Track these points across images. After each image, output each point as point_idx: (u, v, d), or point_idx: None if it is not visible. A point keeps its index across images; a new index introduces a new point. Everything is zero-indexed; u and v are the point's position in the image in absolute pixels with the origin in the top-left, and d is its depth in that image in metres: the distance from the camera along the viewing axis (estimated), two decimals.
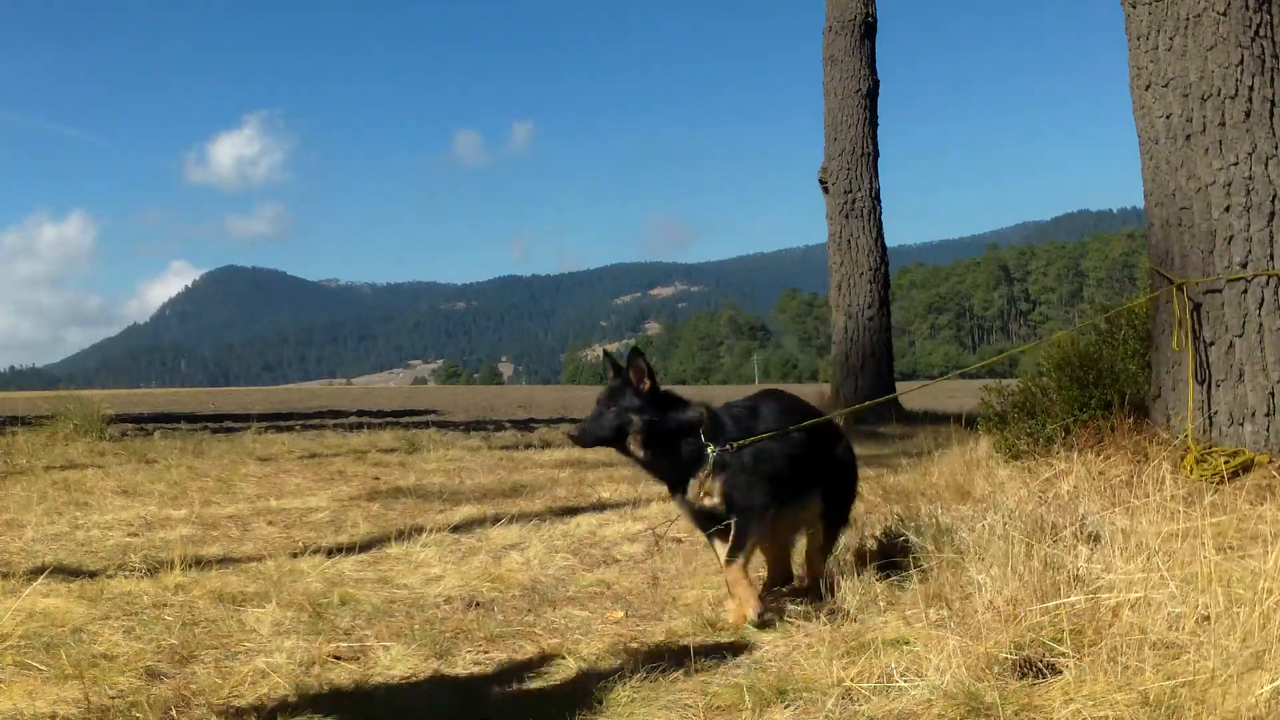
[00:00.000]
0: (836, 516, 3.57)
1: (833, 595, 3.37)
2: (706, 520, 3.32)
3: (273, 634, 3.12)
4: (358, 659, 2.89)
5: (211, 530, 5.41)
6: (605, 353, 3.44)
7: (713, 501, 3.25)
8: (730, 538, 3.23)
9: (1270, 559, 2.64)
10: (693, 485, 3.25)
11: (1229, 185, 4.85)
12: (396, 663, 2.79)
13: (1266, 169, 4.80)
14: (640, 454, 3.26)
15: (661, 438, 3.23)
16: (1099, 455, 4.96)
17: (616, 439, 3.24)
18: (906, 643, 2.74)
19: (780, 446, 3.34)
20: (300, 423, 15.37)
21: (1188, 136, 4.99)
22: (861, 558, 3.80)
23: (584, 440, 3.29)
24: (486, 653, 2.98)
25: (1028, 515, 3.57)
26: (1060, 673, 2.38)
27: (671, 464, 3.27)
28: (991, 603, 2.84)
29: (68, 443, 10.27)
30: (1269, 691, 2.10)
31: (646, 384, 3.23)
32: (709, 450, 3.22)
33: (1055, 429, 5.53)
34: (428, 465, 8.66)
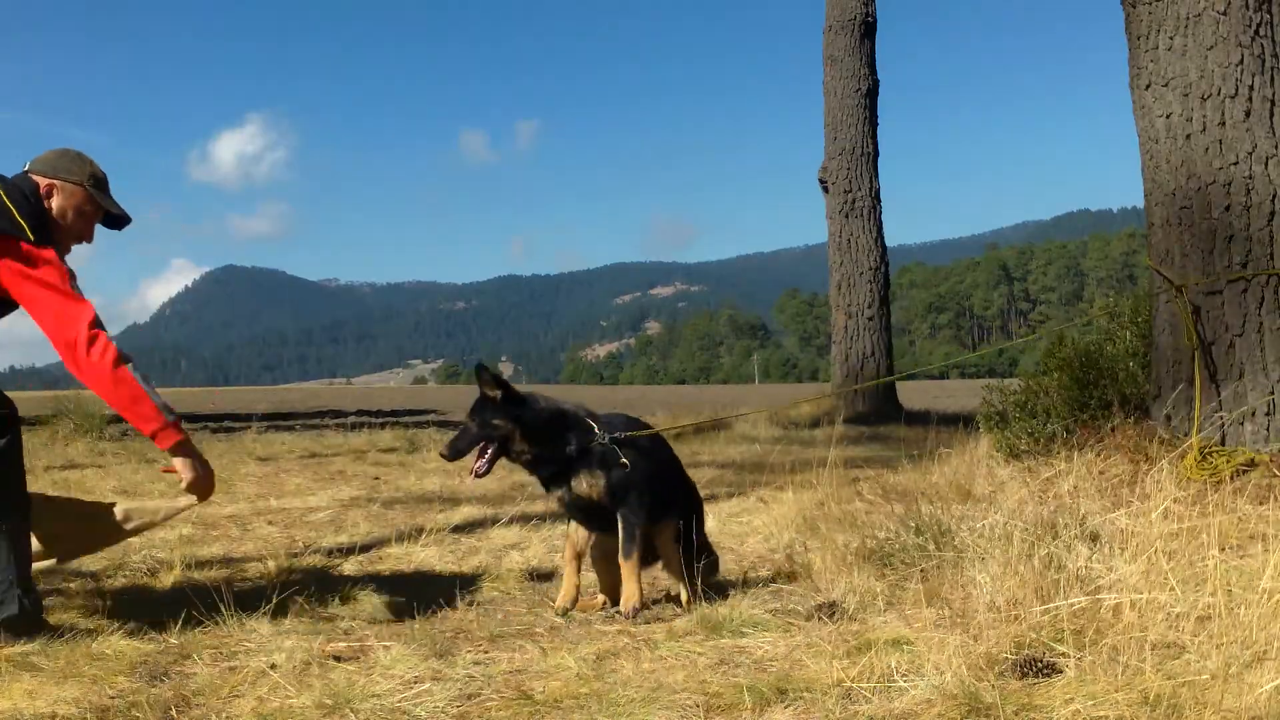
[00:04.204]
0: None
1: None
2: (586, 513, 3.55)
3: (273, 634, 3.12)
4: (358, 659, 2.89)
5: (211, 530, 5.41)
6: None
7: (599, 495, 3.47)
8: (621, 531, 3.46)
9: (1271, 559, 2.64)
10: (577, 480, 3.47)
11: (1229, 185, 4.85)
12: (396, 663, 2.79)
13: (1266, 168, 4.80)
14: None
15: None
16: (1099, 455, 4.96)
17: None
18: (907, 642, 2.73)
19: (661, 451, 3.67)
20: (300, 422, 15.38)
21: (1188, 136, 4.98)
22: (862, 557, 3.80)
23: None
24: (487, 653, 2.98)
25: (1028, 515, 3.57)
26: (1061, 672, 2.38)
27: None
28: (992, 602, 2.84)
29: (68, 443, 10.29)
30: (1269, 691, 2.10)
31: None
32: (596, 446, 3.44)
33: (1057, 428, 5.53)
34: (428, 465, 8.66)
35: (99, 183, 3.36)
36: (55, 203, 3.26)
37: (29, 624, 3.00)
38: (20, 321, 3.31)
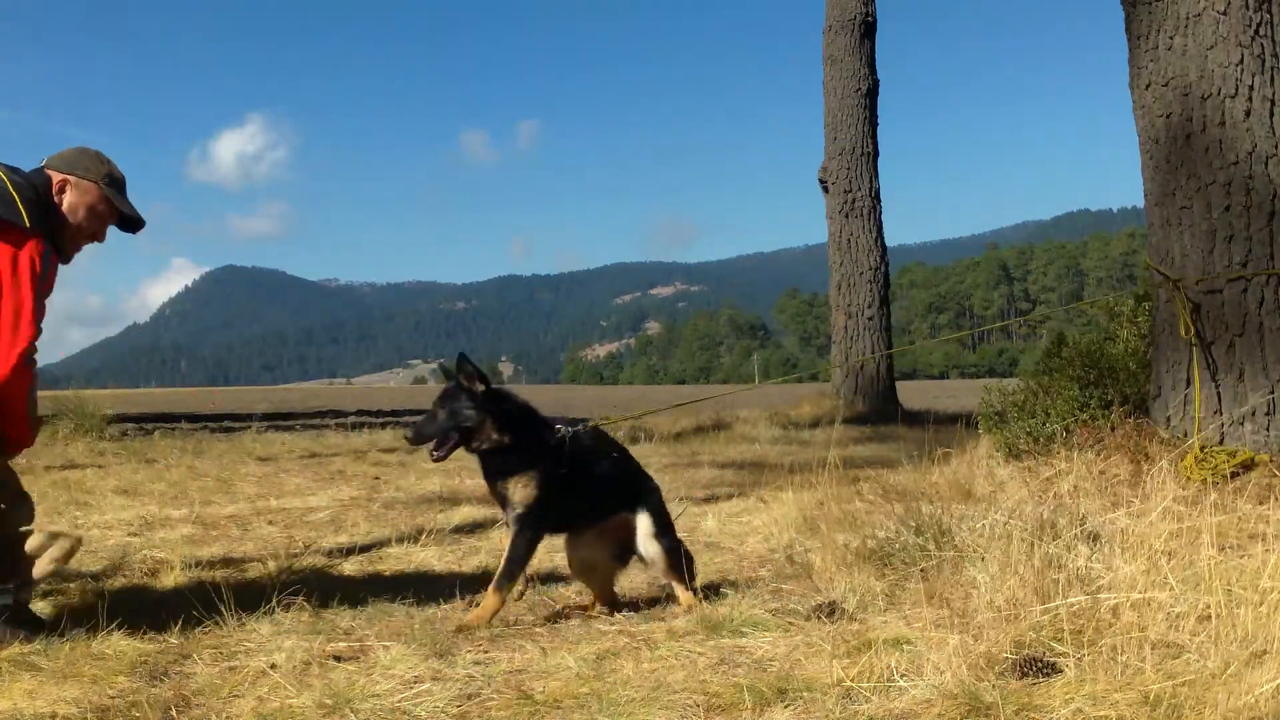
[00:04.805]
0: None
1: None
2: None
3: (273, 634, 3.12)
4: (358, 659, 2.89)
5: (211, 530, 5.41)
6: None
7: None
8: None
9: (1271, 558, 2.64)
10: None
11: (1229, 184, 4.85)
12: (396, 663, 2.79)
13: (1266, 168, 4.80)
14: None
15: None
16: (1099, 455, 4.96)
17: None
18: (907, 642, 2.73)
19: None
20: (300, 422, 15.37)
21: (1188, 136, 4.98)
22: (862, 557, 3.80)
23: None
24: (487, 652, 2.98)
25: (1028, 515, 3.56)
26: (1061, 672, 2.38)
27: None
28: (992, 602, 2.83)
29: (67, 443, 10.28)
30: (1269, 690, 2.10)
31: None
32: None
33: (1057, 428, 5.53)
34: (428, 465, 8.66)
35: (115, 183, 3.33)
36: (67, 199, 3.22)
37: (23, 624, 2.99)
38: None
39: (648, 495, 3.62)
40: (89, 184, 3.26)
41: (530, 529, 3.38)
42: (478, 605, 3.53)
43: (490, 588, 3.35)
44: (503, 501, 3.46)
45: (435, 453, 3.36)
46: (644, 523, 3.56)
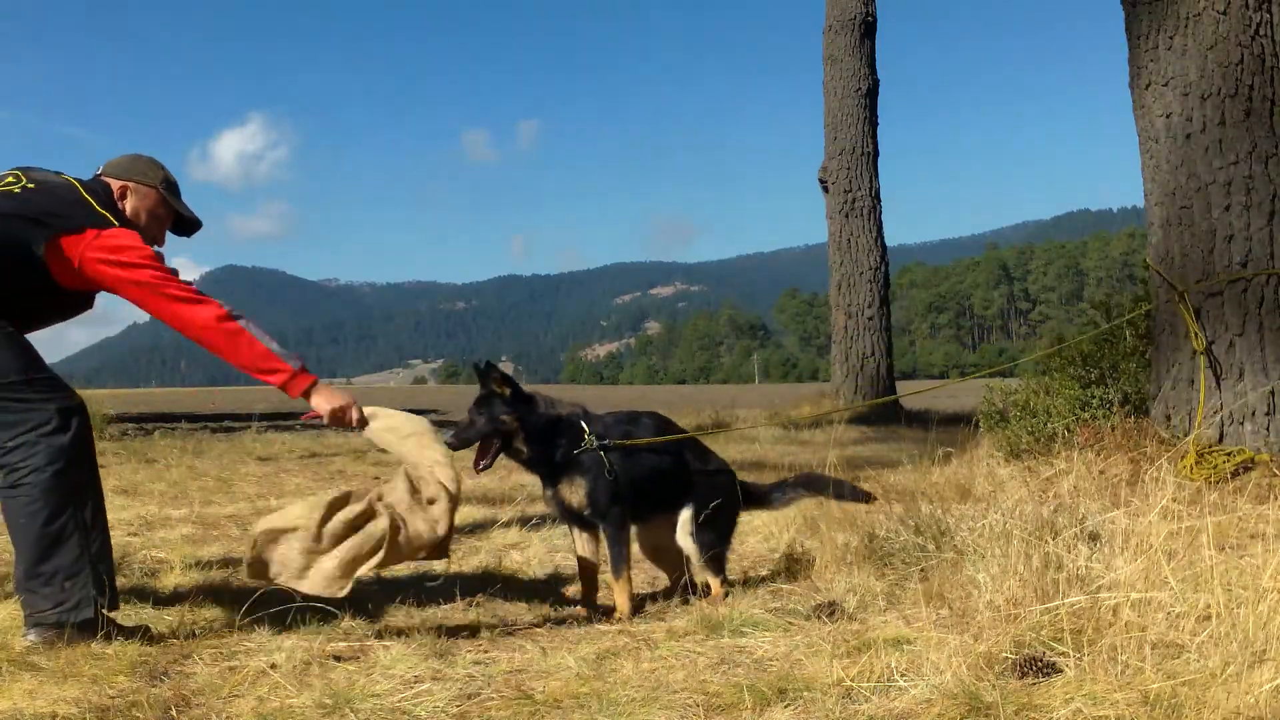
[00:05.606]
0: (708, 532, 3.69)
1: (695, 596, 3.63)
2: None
3: (273, 634, 3.12)
4: (358, 659, 2.89)
5: (211, 530, 5.41)
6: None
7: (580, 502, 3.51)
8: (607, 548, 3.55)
9: (1271, 558, 2.64)
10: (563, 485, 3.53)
11: (1229, 184, 4.85)
12: (396, 663, 2.79)
13: (1266, 168, 4.80)
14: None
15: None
16: (1099, 454, 4.96)
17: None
18: (907, 642, 2.73)
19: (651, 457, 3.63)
20: (300, 422, 15.37)
21: (1188, 136, 4.98)
22: (862, 557, 3.80)
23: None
24: (487, 652, 2.98)
25: (1028, 514, 3.56)
26: (1061, 672, 2.38)
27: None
28: (991, 602, 2.83)
29: None
30: (1269, 690, 2.10)
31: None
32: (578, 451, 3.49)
33: (1057, 428, 5.53)
34: None
35: (171, 186, 3.40)
36: (129, 205, 3.29)
37: (99, 627, 2.99)
38: None
39: (693, 494, 3.68)
40: (147, 188, 3.33)
41: (613, 525, 3.52)
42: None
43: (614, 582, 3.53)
44: (561, 508, 3.57)
45: (480, 463, 3.44)
46: (682, 520, 3.66)
